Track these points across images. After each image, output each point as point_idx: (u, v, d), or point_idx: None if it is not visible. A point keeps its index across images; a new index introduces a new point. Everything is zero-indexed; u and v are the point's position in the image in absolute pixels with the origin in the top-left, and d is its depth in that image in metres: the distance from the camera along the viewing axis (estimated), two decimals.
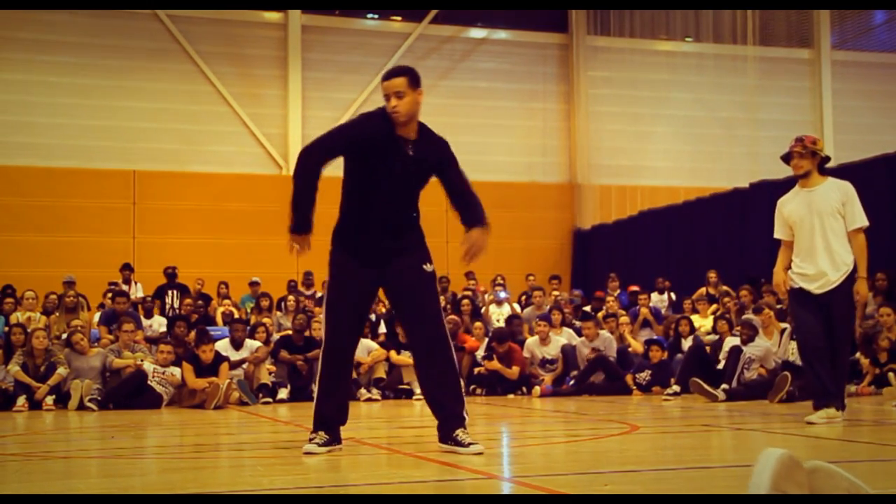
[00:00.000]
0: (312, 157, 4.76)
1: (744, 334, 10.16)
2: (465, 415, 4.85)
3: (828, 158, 6.74)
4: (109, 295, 13.76)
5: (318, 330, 12.17)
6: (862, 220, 6.52)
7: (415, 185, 4.89)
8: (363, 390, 10.92)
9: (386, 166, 4.75)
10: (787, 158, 6.69)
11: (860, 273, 6.52)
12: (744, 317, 10.89)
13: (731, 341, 10.42)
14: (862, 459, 4.60)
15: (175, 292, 15.08)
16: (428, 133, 4.91)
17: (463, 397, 4.92)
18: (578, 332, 12.62)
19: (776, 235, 6.85)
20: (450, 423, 4.80)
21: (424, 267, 4.87)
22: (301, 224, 4.74)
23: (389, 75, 4.78)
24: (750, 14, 20.59)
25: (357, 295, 4.90)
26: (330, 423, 4.91)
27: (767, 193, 14.95)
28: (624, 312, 13.51)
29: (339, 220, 4.94)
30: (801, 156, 6.58)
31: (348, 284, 4.86)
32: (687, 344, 11.65)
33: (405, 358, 11.27)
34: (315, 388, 5.06)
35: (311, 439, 4.88)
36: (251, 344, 11.26)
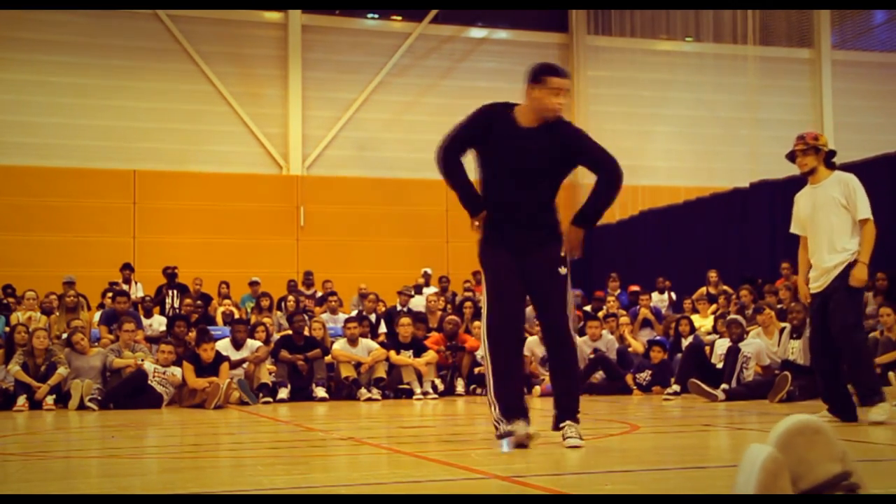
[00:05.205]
0: (449, 151, 5.00)
1: (732, 334, 10.15)
2: (577, 409, 4.98)
3: (833, 153, 6.53)
4: (110, 295, 13.76)
5: (318, 330, 12.20)
6: (864, 213, 6.29)
7: (539, 176, 5.03)
8: (363, 390, 10.92)
9: (504, 156, 4.96)
10: (792, 158, 6.55)
11: (861, 258, 6.26)
12: (729, 317, 10.89)
13: (722, 343, 10.41)
14: (864, 459, 4.60)
15: (175, 292, 15.08)
16: (555, 125, 4.98)
17: (577, 393, 5.12)
18: (579, 332, 12.62)
19: (791, 230, 6.69)
20: (561, 416, 4.98)
21: (560, 270, 5.02)
22: (475, 207, 5.00)
23: (565, 74, 4.98)
24: (750, 14, 20.59)
25: (509, 277, 5.01)
26: (514, 410, 4.92)
27: (768, 193, 14.99)
28: (624, 312, 13.50)
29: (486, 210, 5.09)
30: (804, 153, 6.42)
31: (501, 271, 5.01)
32: (687, 344, 11.63)
33: (405, 358, 11.28)
34: (490, 380, 5.01)
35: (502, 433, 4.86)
36: (252, 344, 11.26)
